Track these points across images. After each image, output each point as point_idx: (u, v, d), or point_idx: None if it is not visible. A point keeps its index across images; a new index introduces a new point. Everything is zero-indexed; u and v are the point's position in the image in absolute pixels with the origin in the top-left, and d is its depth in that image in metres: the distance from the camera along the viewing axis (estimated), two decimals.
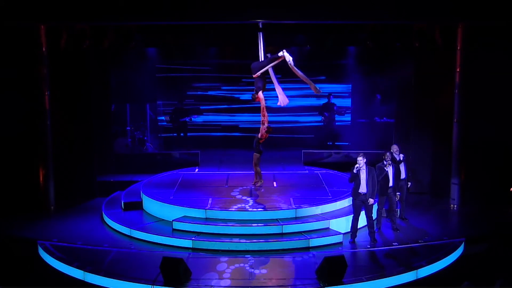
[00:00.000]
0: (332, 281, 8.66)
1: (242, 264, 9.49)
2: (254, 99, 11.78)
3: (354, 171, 10.22)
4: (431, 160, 13.55)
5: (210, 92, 17.23)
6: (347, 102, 17.10)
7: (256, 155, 12.20)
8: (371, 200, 10.29)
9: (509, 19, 11.61)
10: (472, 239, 10.62)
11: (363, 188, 10.26)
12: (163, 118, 17.25)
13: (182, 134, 16.42)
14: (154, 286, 8.64)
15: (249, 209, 11.08)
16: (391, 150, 11.35)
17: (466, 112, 12.54)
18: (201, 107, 17.24)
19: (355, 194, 10.37)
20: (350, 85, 17.05)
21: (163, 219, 11.32)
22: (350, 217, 10.65)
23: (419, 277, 9.24)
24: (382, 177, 10.67)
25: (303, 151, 15.46)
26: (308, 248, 10.16)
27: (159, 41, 14.06)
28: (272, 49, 13.83)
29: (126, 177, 14.06)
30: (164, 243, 10.45)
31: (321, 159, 15.36)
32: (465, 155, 12.66)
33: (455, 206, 12.71)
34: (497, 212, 12.27)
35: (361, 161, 10.22)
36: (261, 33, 11.44)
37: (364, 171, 10.24)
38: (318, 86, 11.87)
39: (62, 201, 12.86)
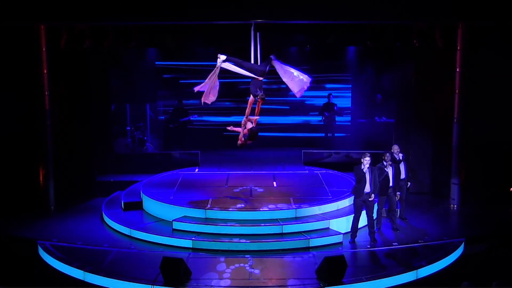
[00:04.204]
0: (332, 281, 8.67)
1: (242, 264, 9.48)
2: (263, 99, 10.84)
3: (364, 170, 10.22)
4: (431, 160, 13.56)
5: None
6: (347, 102, 17.11)
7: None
8: (372, 195, 10.30)
9: (509, 19, 11.61)
10: (472, 239, 10.62)
11: (367, 188, 10.27)
12: (163, 118, 17.27)
13: (182, 134, 16.42)
14: (154, 286, 8.64)
15: (249, 209, 11.07)
16: (392, 150, 11.36)
17: (466, 112, 12.53)
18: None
19: (358, 193, 10.35)
20: (350, 85, 17.06)
21: (163, 219, 11.32)
22: (350, 217, 10.66)
23: (419, 277, 9.24)
24: (383, 177, 10.67)
25: (303, 151, 15.47)
26: (308, 248, 10.17)
27: (159, 41, 14.05)
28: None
29: (126, 177, 14.06)
30: (164, 243, 10.45)
31: (321, 159, 15.38)
32: (465, 155, 12.65)
33: (455, 206, 12.70)
34: (497, 212, 12.27)
35: (368, 161, 10.23)
36: (258, 33, 11.05)
37: (368, 171, 10.26)
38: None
39: (62, 201, 12.85)
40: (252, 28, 10.83)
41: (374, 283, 8.88)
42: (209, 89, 10.83)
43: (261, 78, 10.73)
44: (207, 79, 10.77)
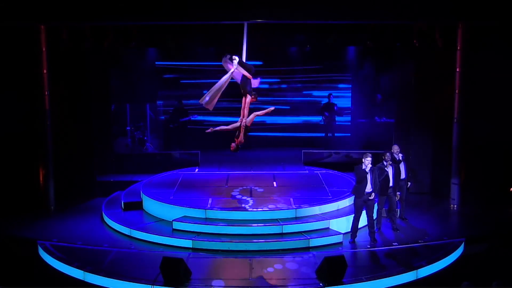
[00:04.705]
0: (332, 281, 8.67)
1: (242, 264, 9.48)
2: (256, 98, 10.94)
3: (366, 170, 10.23)
4: (431, 160, 13.56)
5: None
6: (347, 102, 17.11)
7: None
8: (373, 194, 10.31)
9: (509, 19, 11.61)
10: (472, 239, 10.62)
11: (368, 188, 10.27)
12: (163, 118, 17.28)
13: (182, 134, 16.43)
14: (154, 286, 8.64)
15: (249, 209, 11.08)
16: (392, 150, 11.36)
17: (466, 112, 12.53)
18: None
19: (359, 193, 10.35)
20: (350, 85, 17.06)
21: (163, 219, 11.32)
22: (350, 217, 10.66)
23: (419, 277, 9.24)
24: (383, 177, 10.67)
25: (303, 151, 15.47)
26: (308, 248, 10.17)
27: (159, 41, 14.06)
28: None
29: (126, 177, 14.06)
30: (164, 243, 10.45)
31: (321, 159, 15.38)
32: (465, 155, 12.66)
33: (455, 206, 12.70)
34: (497, 212, 12.27)
35: (370, 160, 10.23)
36: (245, 28, 10.84)
37: (370, 170, 10.26)
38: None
39: (62, 201, 12.85)
40: (245, 28, 10.74)
41: (374, 283, 8.87)
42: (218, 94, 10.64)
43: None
44: (218, 85, 10.52)
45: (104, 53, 13.93)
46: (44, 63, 12.34)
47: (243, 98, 10.77)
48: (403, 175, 11.33)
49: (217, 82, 10.62)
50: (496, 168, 12.80)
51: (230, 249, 10.09)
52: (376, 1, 11.61)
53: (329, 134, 16.59)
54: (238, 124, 10.72)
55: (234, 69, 10.52)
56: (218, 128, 10.81)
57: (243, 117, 10.73)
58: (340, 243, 10.43)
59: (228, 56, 10.63)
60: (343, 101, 17.06)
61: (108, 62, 14.44)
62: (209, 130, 10.77)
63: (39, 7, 11.41)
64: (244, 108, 10.73)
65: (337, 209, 11.35)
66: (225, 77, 10.57)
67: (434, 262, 9.54)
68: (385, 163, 10.85)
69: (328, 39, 13.84)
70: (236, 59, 10.52)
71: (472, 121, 12.54)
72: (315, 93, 17.37)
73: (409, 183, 11.67)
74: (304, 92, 17.32)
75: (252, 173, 14.01)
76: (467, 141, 12.61)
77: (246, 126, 10.71)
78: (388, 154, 10.99)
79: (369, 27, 13.19)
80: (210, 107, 10.65)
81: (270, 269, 9.29)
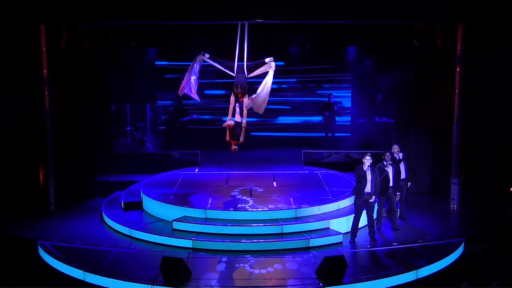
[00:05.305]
0: (332, 281, 8.67)
1: (242, 264, 9.49)
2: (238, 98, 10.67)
3: (365, 168, 10.23)
4: (431, 160, 13.54)
5: (213, 92, 17.21)
6: (347, 102, 17.11)
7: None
8: (373, 197, 10.31)
9: (509, 19, 11.61)
10: (472, 239, 10.62)
11: (368, 188, 10.27)
12: (163, 118, 17.28)
13: (182, 134, 16.43)
14: (154, 286, 8.64)
15: (249, 209, 11.08)
16: (392, 150, 11.36)
17: (466, 112, 12.54)
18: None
19: (359, 193, 10.35)
20: (350, 85, 17.07)
21: (163, 219, 11.32)
22: (351, 217, 10.67)
23: (419, 277, 9.24)
24: (383, 177, 10.67)
25: (303, 151, 15.47)
26: (308, 248, 10.17)
27: (159, 41, 14.06)
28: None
29: (126, 177, 14.05)
30: (164, 243, 10.45)
31: (321, 159, 15.38)
32: (465, 155, 12.66)
33: (455, 206, 12.71)
34: (497, 212, 12.27)
35: (369, 160, 10.23)
36: (246, 28, 10.64)
37: (369, 171, 10.26)
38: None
39: (62, 201, 12.85)
40: (246, 28, 10.71)
41: (374, 283, 8.88)
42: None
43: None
44: (267, 88, 10.41)
45: (104, 53, 13.95)
46: (44, 63, 12.34)
47: (233, 97, 10.60)
48: (403, 175, 11.33)
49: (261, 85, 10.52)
50: (496, 168, 12.79)
51: (230, 249, 10.10)
52: (376, 1, 11.60)
53: (329, 134, 16.59)
54: (232, 122, 10.69)
55: (275, 69, 10.47)
56: (226, 124, 10.74)
57: (244, 117, 10.72)
58: (340, 243, 10.43)
59: (208, 56, 10.69)
60: (343, 101, 17.06)
61: (108, 62, 14.46)
62: (224, 125, 10.63)
63: (39, 7, 11.39)
64: (245, 107, 10.70)
65: (337, 209, 11.35)
66: (271, 78, 10.43)
67: (434, 262, 9.54)
68: (385, 163, 10.86)
69: (328, 39, 13.83)
70: (272, 58, 10.42)
71: (472, 121, 12.55)
72: (315, 93, 17.37)
73: (409, 183, 11.67)
74: (304, 92, 17.31)
75: (252, 173, 14.01)
76: (467, 141, 12.62)
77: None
78: (388, 154, 10.99)
79: (369, 27, 13.18)
80: (261, 111, 10.66)
81: (270, 269, 9.30)
